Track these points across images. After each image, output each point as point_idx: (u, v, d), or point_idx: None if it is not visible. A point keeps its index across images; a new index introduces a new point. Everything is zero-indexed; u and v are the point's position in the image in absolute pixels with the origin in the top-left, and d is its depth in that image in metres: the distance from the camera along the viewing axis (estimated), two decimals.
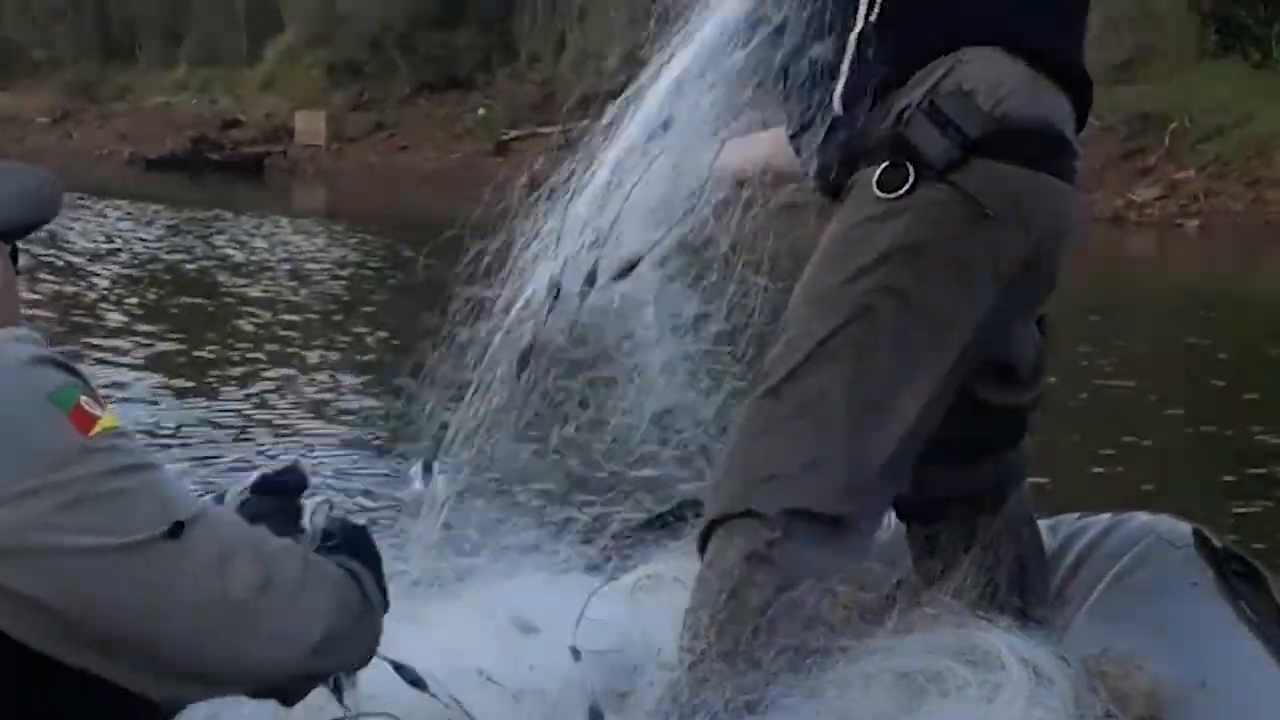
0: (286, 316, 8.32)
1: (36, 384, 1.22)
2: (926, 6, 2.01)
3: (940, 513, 2.21)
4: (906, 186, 1.96)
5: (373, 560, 1.44)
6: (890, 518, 2.49)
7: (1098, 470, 5.41)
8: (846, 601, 1.98)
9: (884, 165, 1.98)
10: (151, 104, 30.06)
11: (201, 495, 1.35)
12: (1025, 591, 2.30)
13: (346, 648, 1.38)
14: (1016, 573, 2.29)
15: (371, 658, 1.45)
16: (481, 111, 24.56)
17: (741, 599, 1.89)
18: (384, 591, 1.42)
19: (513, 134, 23.01)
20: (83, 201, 16.28)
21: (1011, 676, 1.90)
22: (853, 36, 2.01)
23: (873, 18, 1.98)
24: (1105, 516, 2.68)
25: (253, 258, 11.41)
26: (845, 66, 2.03)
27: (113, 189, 18.33)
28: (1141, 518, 2.65)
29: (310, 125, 25.31)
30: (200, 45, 32.30)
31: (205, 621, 1.24)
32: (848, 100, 2.04)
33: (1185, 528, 2.55)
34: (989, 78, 1.96)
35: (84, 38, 34.05)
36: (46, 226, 1.48)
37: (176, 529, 1.23)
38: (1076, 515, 2.74)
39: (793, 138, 2.15)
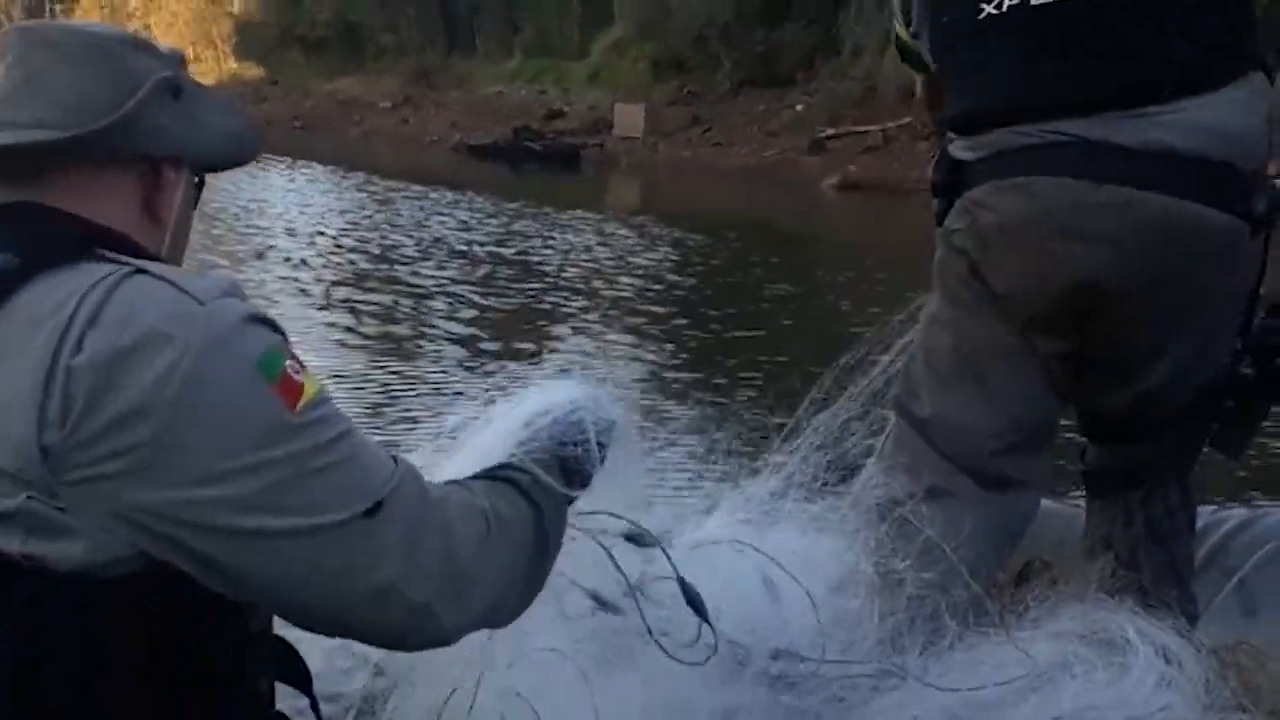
0: (597, 314, 8.25)
1: (246, 350, 1.22)
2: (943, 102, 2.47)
3: (1091, 486, 2.53)
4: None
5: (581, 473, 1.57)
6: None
7: None
8: (981, 582, 2.16)
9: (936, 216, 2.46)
10: (484, 93, 31.17)
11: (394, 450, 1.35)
12: (1161, 577, 2.41)
13: (509, 610, 1.46)
14: (1155, 557, 2.43)
15: (533, 598, 1.50)
16: (799, 108, 24.22)
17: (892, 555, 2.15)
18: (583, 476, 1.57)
19: (829, 132, 22.60)
20: (400, 187, 16.95)
21: (1140, 659, 1.92)
22: None
23: None
24: (1243, 509, 2.74)
25: (564, 250, 11.45)
26: None
27: (433, 175, 18.96)
28: (1278, 514, 2.70)
29: (629, 118, 25.56)
30: (535, 37, 33.32)
31: (386, 605, 1.27)
32: None
33: None
34: (953, 145, 2.40)
35: (429, 27, 35.72)
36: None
37: (375, 509, 1.25)
38: (1213, 508, 2.76)
39: None
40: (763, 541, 2.11)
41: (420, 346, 7.07)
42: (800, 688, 1.97)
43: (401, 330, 7.52)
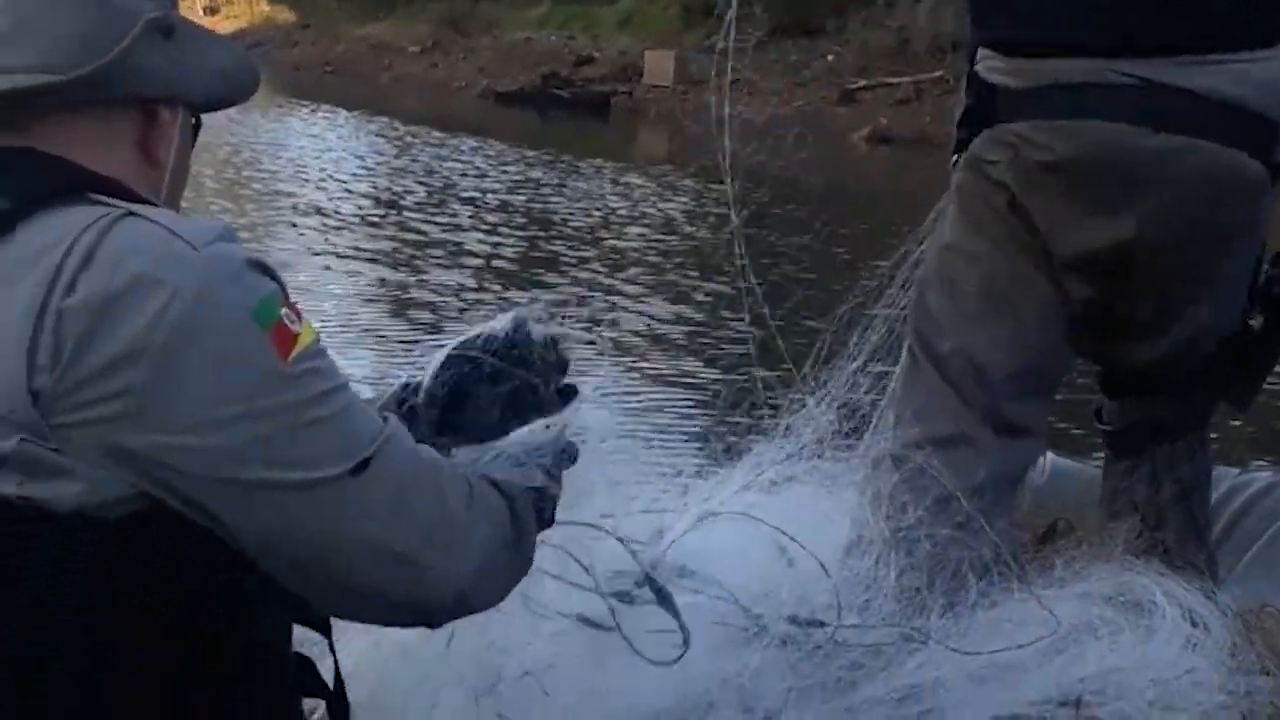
0: (607, 265, 8.06)
1: (241, 298, 1.21)
2: (973, 19, 2.33)
3: (1116, 444, 2.50)
4: (954, 158, 2.34)
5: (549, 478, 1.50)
6: (1046, 462, 2.93)
7: None
8: (1001, 541, 2.12)
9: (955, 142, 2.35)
10: (513, 39, 30.80)
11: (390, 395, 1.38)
12: (1185, 538, 2.41)
13: (496, 582, 1.44)
14: (1179, 518, 2.42)
15: (513, 588, 1.49)
16: (830, 58, 23.81)
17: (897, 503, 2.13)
18: (544, 511, 1.48)
19: (859, 83, 22.21)
20: (421, 133, 16.78)
21: (1166, 621, 1.92)
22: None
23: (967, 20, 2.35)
24: (1267, 473, 2.78)
25: (576, 199, 11.22)
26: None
27: (456, 121, 18.75)
28: None
29: (658, 66, 25.17)
30: None
31: (375, 560, 1.27)
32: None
33: None
34: (985, 67, 2.27)
35: None
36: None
37: (361, 466, 1.24)
38: (1238, 470, 2.82)
39: None
40: (774, 505, 2.08)
41: (411, 294, 6.93)
42: (818, 654, 1.93)
43: (396, 276, 7.40)
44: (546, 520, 1.53)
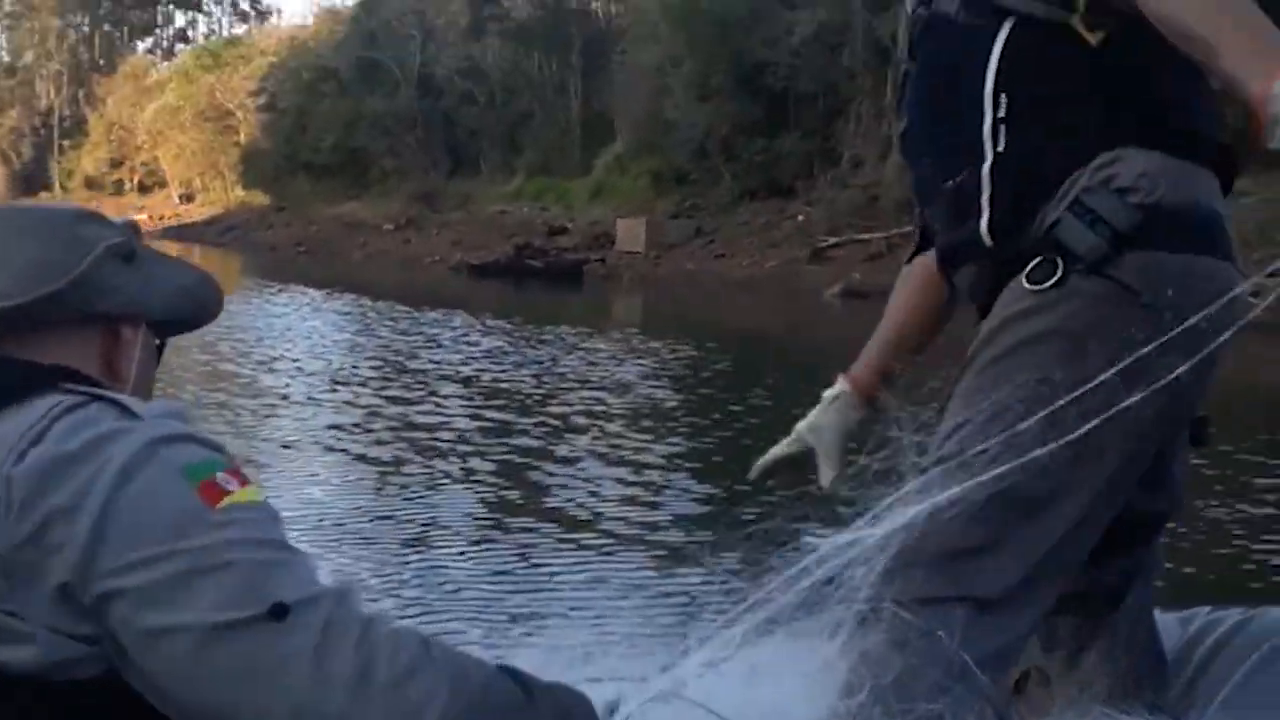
0: (594, 431, 7.69)
1: (175, 456, 1.27)
2: (1055, 123, 2.00)
3: (1063, 606, 2.25)
4: (1056, 278, 1.97)
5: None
6: None
7: None
8: (984, 691, 2.00)
9: (1034, 262, 1.99)
10: (487, 213, 31.04)
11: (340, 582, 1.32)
12: (1144, 684, 2.30)
13: None
14: (1137, 666, 2.31)
15: None
16: (800, 218, 23.88)
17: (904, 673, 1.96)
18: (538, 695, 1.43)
19: (830, 241, 22.21)
20: (385, 309, 16.61)
21: None
22: (985, 170, 2.03)
23: (1000, 148, 2.01)
24: (1238, 610, 2.71)
25: (531, 365, 10.93)
26: (985, 201, 2.04)
27: (426, 295, 18.60)
28: (1275, 612, 2.64)
29: (630, 232, 25.31)
30: (538, 156, 33.32)
31: (299, 710, 1.24)
32: (995, 230, 2.05)
33: None
34: (1135, 171, 1.96)
35: (431, 150, 35.81)
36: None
37: (279, 610, 1.24)
38: (1209, 608, 2.76)
39: (943, 271, 2.22)
40: (726, 694, 1.93)
41: (348, 470, 6.51)
42: None
43: (333, 455, 6.97)
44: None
